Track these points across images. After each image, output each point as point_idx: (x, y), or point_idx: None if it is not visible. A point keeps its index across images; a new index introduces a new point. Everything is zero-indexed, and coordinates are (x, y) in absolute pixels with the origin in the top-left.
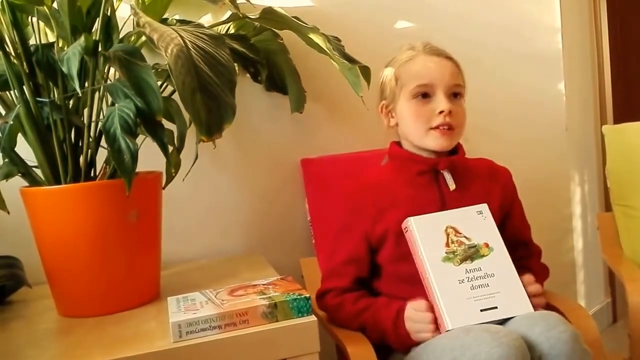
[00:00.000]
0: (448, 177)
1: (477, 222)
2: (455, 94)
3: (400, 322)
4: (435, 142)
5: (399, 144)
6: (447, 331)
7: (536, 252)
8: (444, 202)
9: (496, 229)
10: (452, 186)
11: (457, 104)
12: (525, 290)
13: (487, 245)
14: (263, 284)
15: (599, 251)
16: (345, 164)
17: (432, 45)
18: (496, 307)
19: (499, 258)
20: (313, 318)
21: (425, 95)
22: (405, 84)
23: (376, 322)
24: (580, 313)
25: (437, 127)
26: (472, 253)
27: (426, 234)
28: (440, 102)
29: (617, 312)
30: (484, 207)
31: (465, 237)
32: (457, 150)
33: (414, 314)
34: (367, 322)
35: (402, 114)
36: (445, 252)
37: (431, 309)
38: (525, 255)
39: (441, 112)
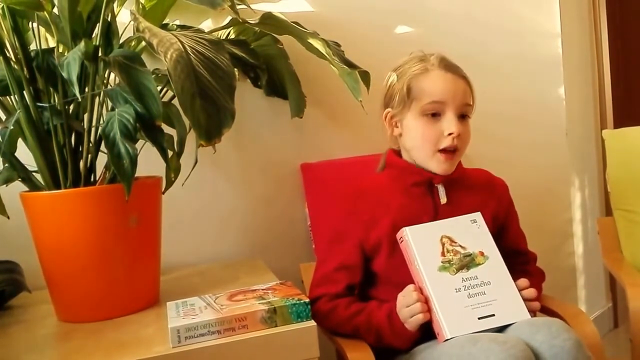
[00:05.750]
0: (441, 190)
1: (471, 230)
2: (463, 115)
3: (394, 316)
4: (439, 167)
5: (397, 152)
6: (445, 340)
7: (532, 258)
8: (437, 214)
9: (490, 237)
10: (443, 199)
11: (465, 125)
12: (520, 294)
13: (482, 253)
14: (262, 289)
15: (600, 256)
16: (345, 168)
17: (448, 61)
18: (493, 315)
19: (495, 266)
20: (312, 323)
21: (435, 114)
22: (416, 98)
23: (370, 322)
24: (581, 318)
25: (443, 150)
26: (468, 262)
27: (422, 244)
28: (450, 123)
29: (618, 317)
30: (478, 216)
31: (460, 246)
32: None
33: (403, 299)
34: (361, 324)
35: (409, 129)
36: (442, 262)
37: (419, 290)
38: (522, 261)
39: (450, 134)
